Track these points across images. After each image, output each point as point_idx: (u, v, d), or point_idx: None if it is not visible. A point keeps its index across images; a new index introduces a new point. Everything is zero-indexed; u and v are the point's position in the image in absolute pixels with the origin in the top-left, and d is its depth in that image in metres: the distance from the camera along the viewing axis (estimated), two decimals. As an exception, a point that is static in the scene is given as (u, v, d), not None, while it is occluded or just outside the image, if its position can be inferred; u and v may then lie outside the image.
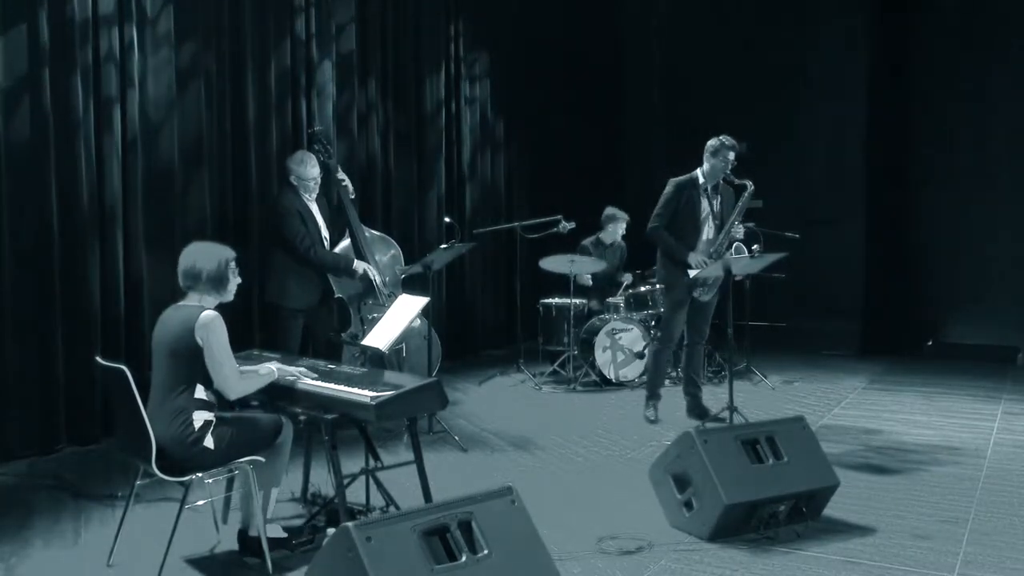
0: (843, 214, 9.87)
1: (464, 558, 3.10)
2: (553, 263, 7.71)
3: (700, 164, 6.25)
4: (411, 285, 6.40)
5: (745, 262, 6.00)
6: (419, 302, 4.85)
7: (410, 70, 8.41)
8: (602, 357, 7.67)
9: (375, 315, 5.83)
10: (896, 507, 4.65)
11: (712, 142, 6.12)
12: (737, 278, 6.24)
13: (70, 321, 5.62)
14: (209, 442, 3.67)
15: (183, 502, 3.71)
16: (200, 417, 3.69)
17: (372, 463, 4.26)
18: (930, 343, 9.70)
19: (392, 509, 4.07)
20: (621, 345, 7.70)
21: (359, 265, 6.09)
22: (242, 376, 3.82)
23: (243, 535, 3.95)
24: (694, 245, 6.18)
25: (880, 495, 4.84)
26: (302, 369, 4.06)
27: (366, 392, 3.79)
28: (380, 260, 6.36)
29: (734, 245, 6.11)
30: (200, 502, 4.01)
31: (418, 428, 4.28)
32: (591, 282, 8.26)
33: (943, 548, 4.10)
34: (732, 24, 10.46)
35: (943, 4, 9.73)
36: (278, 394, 4.00)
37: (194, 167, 6.37)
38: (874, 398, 7.43)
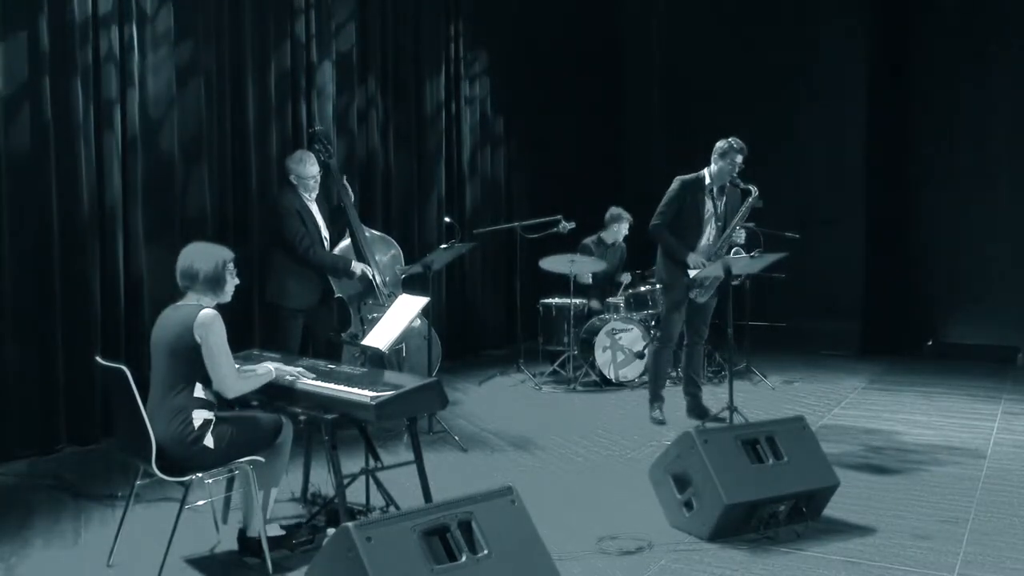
0: (843, 214, 9.86)
1: (464, 558, 3.10)
2: (553, 263, 7.71)
3: (698, 164, 6.25)
4: (411, 285, 6.40)
5: (745, 262, 6.00)
6: (419, 302, 4.85)
7: (410, 70, 8.41)
8: (602, 357, 7.67)
9: (375, 315, 5.83)
10: (896, 507, 4.65)
11: (721, 144, 6.10)
12: (736, 282, 6.23)
13: (70, 321, 5.62)
14: (209, 441, 3.67)
15: (183, 502, 3.71)
16: (200, 416, 3.69)
17: (372, 463, 4.26)
18: (930, 343, 9.70)
19: (392, 509, 4.08)
20: (621, 345, 7.70)
21: (357, 266, 6.08)
22: (240, 375, 3.82)
23: (243, 535, 3.95)
24: (695, 245, 6.18)
25: (880, 495, 4.84)
26: (300, 369, 4.06)
27: (366, 392, 3.79)
28: (380, 260, 6.36)
29: (733, 249, 6.10)
30: (200, 502, 4.01)
31: (418, 428, 4.28)
32: (591, 280, 8.26)
33: (943, 548, 4.10)
34: (732, 24, 10.46)
35: (943, 4, 9.72)
36: (278, 394, 4.00)
37: (194, 167, 6.37)
38: (874, 398, 7.43)
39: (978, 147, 9.61)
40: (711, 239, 6.20)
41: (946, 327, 9.81)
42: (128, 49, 5.89)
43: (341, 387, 3.89)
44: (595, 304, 8.20)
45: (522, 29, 9.84)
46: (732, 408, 5.93)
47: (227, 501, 4.25)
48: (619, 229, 8.34)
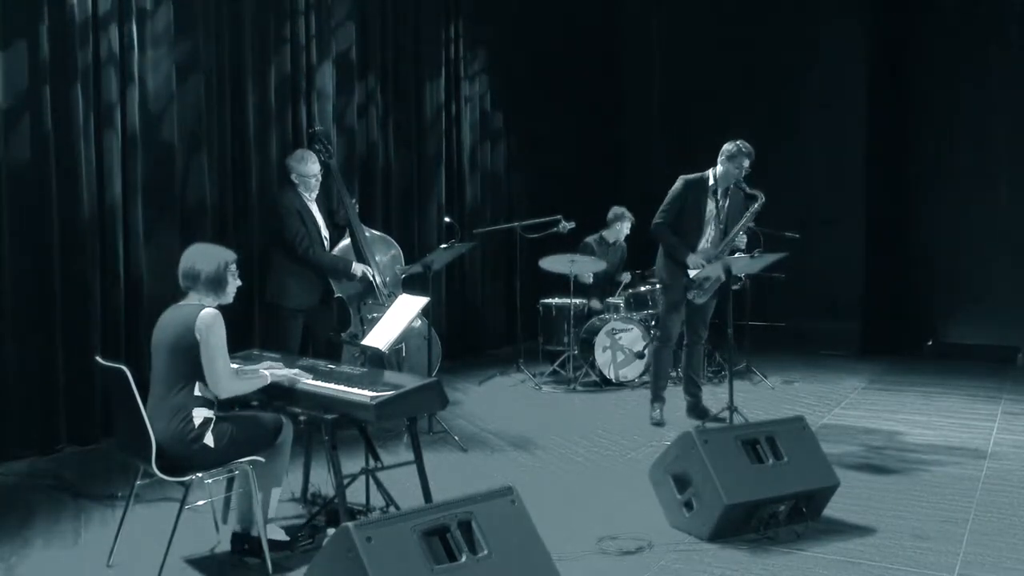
0: (843, 214, 9.86)
1: (464, 558, 3.10)
2: (553, 263, 7.71)
3: (698, 164, 6.24)
4: (411, 285, 6.40)
5: (745, 262, 6.00)
6: (419, 302, 4.85)
7: (410, 71, 8.41)
8: (602, 357, 7.67)
9: (375, 315, 5.83)
10: (896, 507, 4.65)
11: (729, 147, 6.06)
12: (736, 286, 6.22)
13: (70, 321, 5.62)
14: (209, 440, 3.67)
15: (183, 502, 3.71)
16: (200, 415, 3.70)
17: (372, 463, 4.26)
18: (930, 343, 9.70)
19: (392, 509, 4.08)
20: (621, 345, 7.70)
21: (358, 268, 6.08)
22: (234, 376, 3.82)
23: (237, 536, 3.95)
24: (696, 245, 6.18)
25: (880, 495, 4.84)
26: (296, 371, 4.06)
27: (366, 392, 3.79)
28: (380, 260, 6.36)
29: (736, 254, 6.09)
30: (200, 502, 4.01)
31: (418, 428, 4.28)
32: (592, 279, 8.27)
33: (943, 548, 4.10)
34: (732, 24, 10.45)
35: (943, 4, 9.72)
36: (278, 394, 4.00)
37: (194, 166, 6.37)
38: (874, 398, 7.43)
39: (978, 147, 9.61)
40: (712, 240, 6.20)
41: (946, 327, 9.80)
42: (128, 48, 5.89)
43: (341, 387, 3.90)
44: (595, 304, 8.20)
45: (522, 29, 9.84)
46: (732, 408, 5.93)
47: (227, 501, 4.25)
48: (621, 228, 8.35)
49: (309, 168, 5.94)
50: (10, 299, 5.37)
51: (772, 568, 3.89)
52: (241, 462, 3.77)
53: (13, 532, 4.26)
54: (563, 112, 10.37)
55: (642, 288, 8.06)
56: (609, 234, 8.37)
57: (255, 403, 4.08)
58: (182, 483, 3.70)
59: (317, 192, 6.04)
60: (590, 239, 8.35)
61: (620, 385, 7.69)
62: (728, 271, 5.88)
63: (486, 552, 3.14)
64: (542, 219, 8.06)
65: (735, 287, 6.15)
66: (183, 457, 3.64)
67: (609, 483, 5.10)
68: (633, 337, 7.71)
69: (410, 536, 3.05)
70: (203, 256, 3.87)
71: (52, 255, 5.53)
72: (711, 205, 6.17)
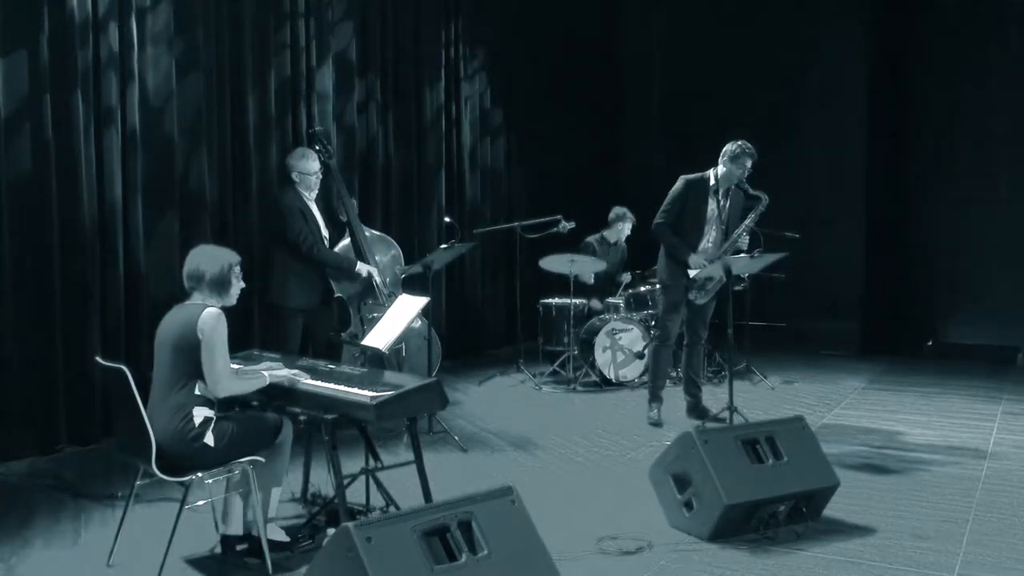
0: (843, 214, 9.86)
1: (464, 558, 3.10)
2: (553, 263, 7.71)
3: (698, 164, 6.24)
4: (411, 285, 6.40)
5: (745, 262, 6.00)
6: (419, 302, 4.85)
7: (410, 71, 8.41)
8: (602, 357, 7.67)
9: (375, 315, 5.83)
10: (896, 507, 4.65)
11: (732, 147, 6.05)
12: (740, 287, 6.21)
13: (70, 321, 5.62)
14: (209, 439, 3.68)
15: (183, 502, 3.71)
16: (200, 413, 3.70)
17: (372, 463, 4.26)
18: (930, 343, 9.70)
19: (392, 509, 4.08)
20: (621, 345, 7.70)
21: (362, 267, 6.09)
22: (233, 376, 3.82)
23: (227, 538, 3.96)
24: (697, 245, 6.18)
25: (880, 495, 4.84)
26: (295, 371, 4.06)
27: (366, 392, 3.79)
28: (380, 260, 6.36)
29: (739, 254, 6.09)
30: (200, 502, 4.01)
31: (418, 428, 4.28)
32: (593, 280, 8.27)
33: (943, 548, 4.10)
34: (732, 24, 10.46)
35: (943, 4, 9.73)
36: (278, 394, 4.00)
37: (195, 166, 6.37)
38: (874, 398, 7.43)
39: (978, 147, 9.61)
40: (713, 241, 6.20)
41: (946, 327, 9.81)
42: (128, 47, 5.89)
43: (341, 387, 3.90)
44: (595, 304, 8.21)
45: (522, 29, 9.84)
46: (732, 408, 5.93)
47: (227, 501, 4.24)
48: (622, 229, 8.36)
49: (309, 166, 5.93)
50: (10, 299, 5.37)
51: (772, 568, 3.89)
52: (241, 462, 3.77)
53: (13, 532, 4.26)
54: (563, 112, 10.37)
55: (642, 288, 8.06)
56: (610, 234, 8.38)
57: (255, 403, 4.09)
58: (182, 483, 3.70)
59: (317, 191, 6.04)
60: (591, 239, 8.36)
61: (620, 385, 7.69)
62: (728, 271, 5.88)
63: (486, 552, 3.14)
64: (542, 219, 8.06)
65: (738, 288, 6.14)
66: (183, 456, 3.65)
67: (609, 483, 5.10)
68: (633, 337, 7.71)
69: (410, 536, 3.05)
70: (208, 258, 3.88)
71: (52, 255, 5.53)
72: (712, 205, 6.17)
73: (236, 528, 3.95)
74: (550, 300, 8.25)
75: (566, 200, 8.89)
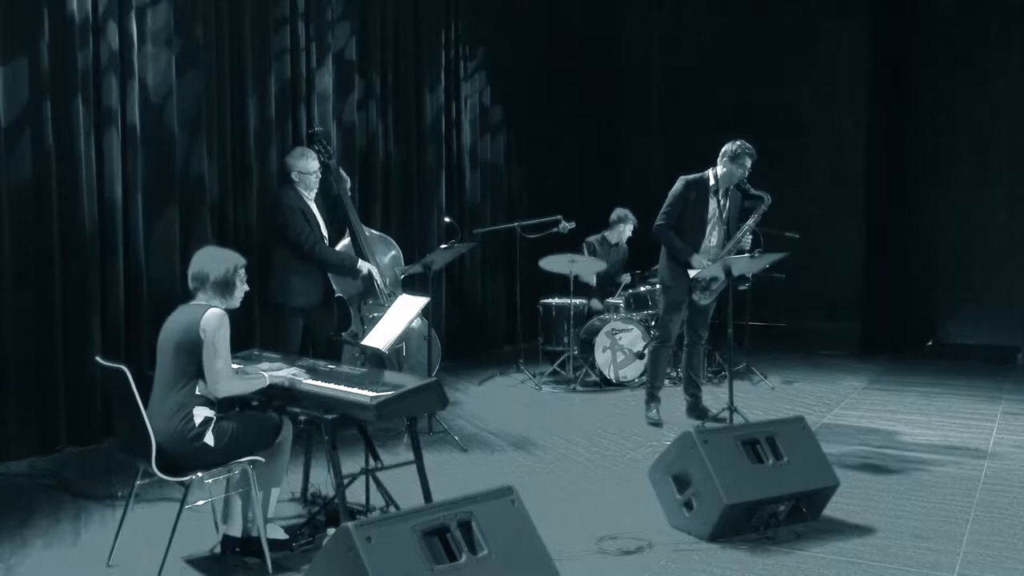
0: (843, 214, 9.87)
1: (464, 558, 3.10)
2: (553, 263, 7.71)
3: (697, 163, 6.23)
4: (411, 285, 6.40)
5: (745, 262, 5.99)
6: (419, 302, 4.85)
7: (410, 71, 8.41)
8: (602, 357, 7.67)
9: (375, 315, 5.83)
10: (896, 507, 4.65)
11: (732, 147, 6.04)
12: (743, 287, 6.21)
13: (70, 321, 5.62)
14: (209, 439, 3.68)
15: (183, 502, 3.71)
16: (201, 413, 3.71)
17: (372, 463, 4.26)
18: (930, 343, 9.71)
19: (392, 509, 4.08)
20: (621, 345, 7.70)
21: (364, 265, 6.09)
22: (234, 376, 3.83)
23: (228, 539, 3.95)
24: (697, 245, 6.18)
25: (880, 495, 4.84)
26: (294, 371, 4.06)
27: (366, 392, 3.79)
28: (380, 260, 6.36)
29: (741, 255, 6.09)
30: (200, 502, 4.01)
31: (418, 428, 4.28)
32: (595, 281, 8.27)
33: (943, 548, 4.10)
34: (732, 24, 10.46)
35: (943, 4, 9.72)
36: (278, 394, 4.00)
37: (195, 166, 6.37)
38: (874, 398, 7.43)
39: (978, 147, 9.61)
40: (714, 241, 6.19)
41: (946, 327, 9.81)
42: (128, 46, 5.88)
43: (341, 387, 3.90)
44: (595, 304, 8.21)
45: (522, 29, 9.84)
46: (732, 408, 5.93)
47: (227, 501, 4.24)
48: (624, 230, 8.36)
49: (309, 164, 5.94)
50: (10, 299, 5.37)
51: (772, 568, 3.89)
52: (241, 462, 3.77)
53: (13, 532, 4.26)
54: (563, 112, 10.37)
55: (642, 288, 8.06)
56: (611, 235, 8.38)
57: (255, 403, 4.09)
58: (182, 483, 3.70)
59: (316, 191, 6.04)
60: (592, 239, 8.36)
61: (620, 385, 7.68)
62: (728, 271, 5.88)
63: (486, 552, 3.14)
64: (542, 219, 8.06)
65: (742, 287, 6.14)
66: (183, 455, 3.65)
67: (609, 483, 5.10)
68: (633, 337, 7.71)
69: (410, 536, 3.05)
70: (213, 260, 3.90)
71: (53, 255, 5.53)
72: (712, 205, 6.17)
73: (236, 528, 3.95)
74: (550, 300, 8.25)
75: (566, 200, 8.89)
